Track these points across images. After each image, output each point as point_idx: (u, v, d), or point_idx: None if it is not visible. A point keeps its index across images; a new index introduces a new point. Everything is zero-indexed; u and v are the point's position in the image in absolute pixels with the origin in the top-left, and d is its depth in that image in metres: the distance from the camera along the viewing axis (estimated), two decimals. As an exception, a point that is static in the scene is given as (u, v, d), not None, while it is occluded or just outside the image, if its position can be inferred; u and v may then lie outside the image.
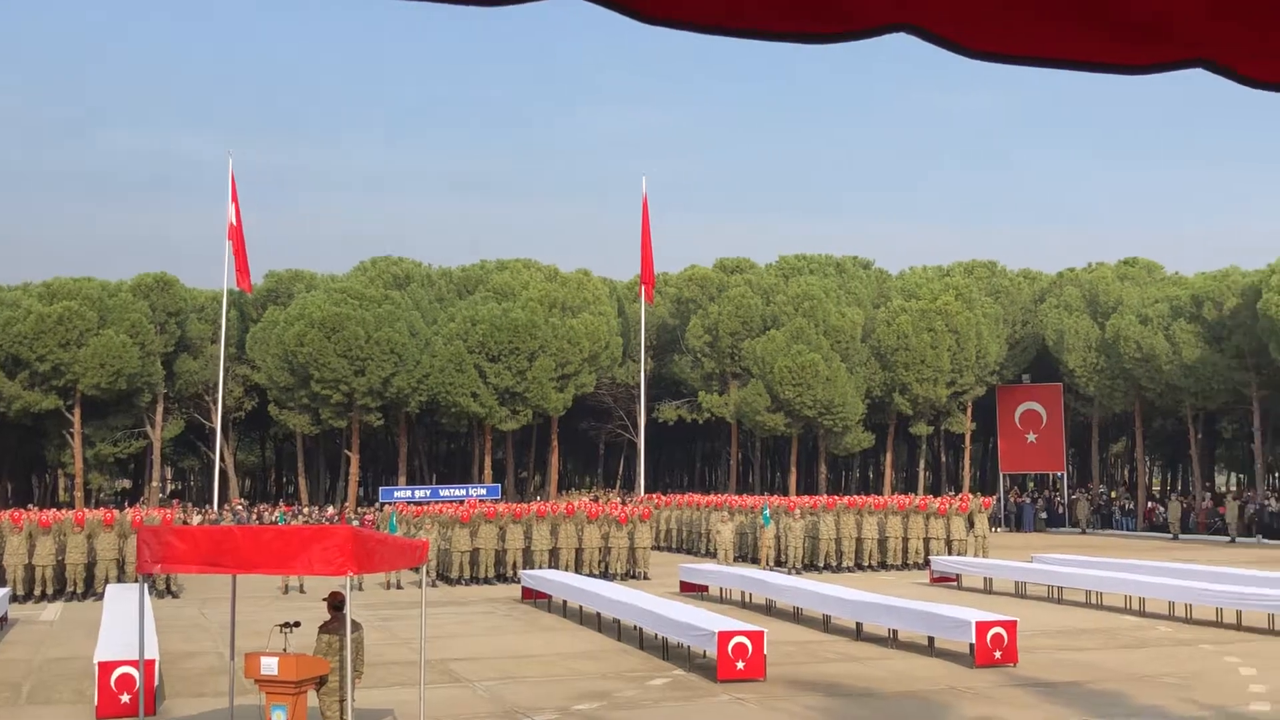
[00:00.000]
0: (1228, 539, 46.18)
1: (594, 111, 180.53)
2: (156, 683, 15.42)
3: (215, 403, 54.24)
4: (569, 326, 59.58)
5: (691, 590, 27.32)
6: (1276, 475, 67.67)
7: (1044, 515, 55.79)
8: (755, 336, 58.56)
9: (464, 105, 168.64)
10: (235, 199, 47.34)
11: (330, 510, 49.43)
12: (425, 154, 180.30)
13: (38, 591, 27.99)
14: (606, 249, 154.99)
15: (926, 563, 32.03)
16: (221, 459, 54.27)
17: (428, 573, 22.89)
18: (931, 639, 19.01)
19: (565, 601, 24.14)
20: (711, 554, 36.41)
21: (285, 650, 11.27)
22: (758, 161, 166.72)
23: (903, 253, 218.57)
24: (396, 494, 52.33)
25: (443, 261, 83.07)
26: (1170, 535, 48.77)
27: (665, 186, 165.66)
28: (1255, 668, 17.61)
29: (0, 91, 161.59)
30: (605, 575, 30.38)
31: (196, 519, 39.60)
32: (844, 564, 34.12)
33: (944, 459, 66.87)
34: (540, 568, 29.71)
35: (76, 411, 57.37)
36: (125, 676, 14.64)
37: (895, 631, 19.81)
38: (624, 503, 40.77)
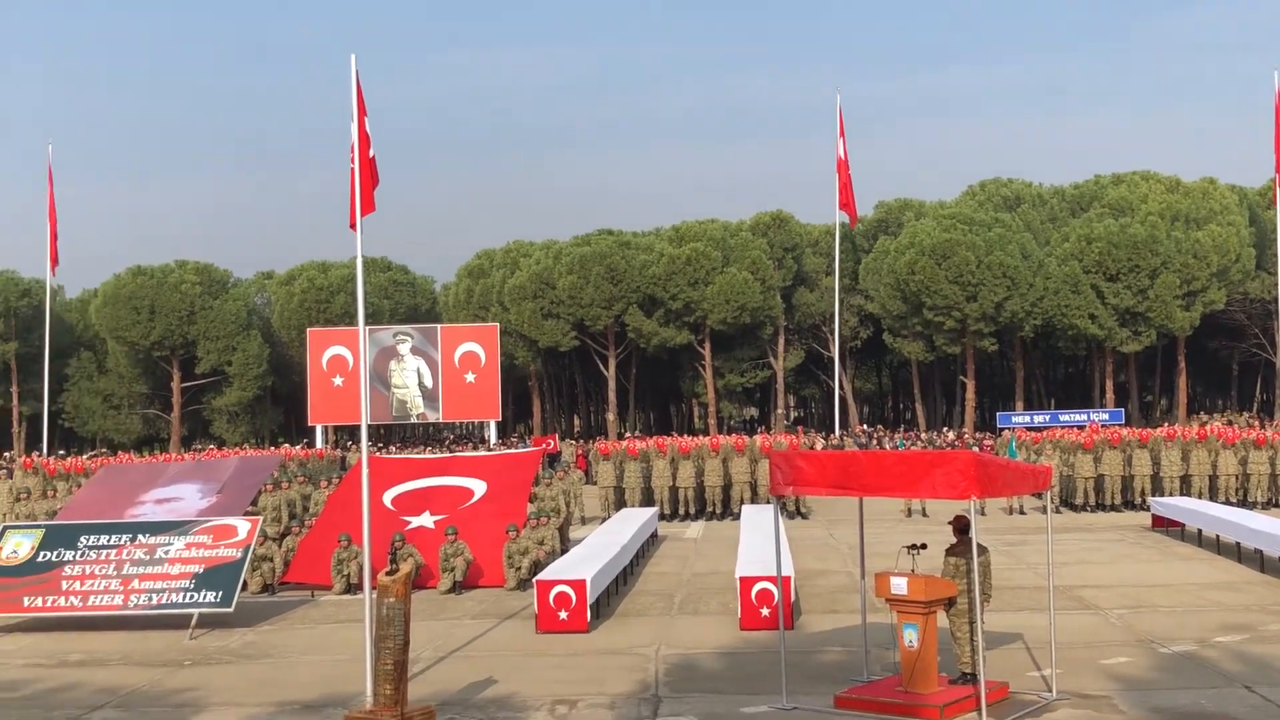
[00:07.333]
0: None
1: (1202, 5, 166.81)
2: (793, 598, 16.36)
3: (832, 333, 56.08)
4: (1194, 239, 56.04)
5: (1348, 521, 25.01)
6: None
7: None
8: None
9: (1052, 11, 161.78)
10: (843, 134, 48.32)
11: (950, 435, 49.67)
12: (1017, 70, 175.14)
13: (681, 511, 30.59)
14: (1235, 153, 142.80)
15: None
16: (840, 386, 56.06)
17: (1051, 498, 22.52)
18: None
19: (1200, 530, 22.92)
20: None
21: (913, 571, 11.57)
22: None
23: None
24: (1014, 419, 51.76)
25: (1054, 180, 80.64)
26: None
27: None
28: None
29: (604, 46, 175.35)
30: (1244, 503, 28.50)
31: (820, 444, 41.25)
32: None
33: None
34: (1170, 494, 28.40)
35: (706, 345, 61.71)
36: (764, 591, 15.65)
37: None
38: (1261, 426, 37.80)
